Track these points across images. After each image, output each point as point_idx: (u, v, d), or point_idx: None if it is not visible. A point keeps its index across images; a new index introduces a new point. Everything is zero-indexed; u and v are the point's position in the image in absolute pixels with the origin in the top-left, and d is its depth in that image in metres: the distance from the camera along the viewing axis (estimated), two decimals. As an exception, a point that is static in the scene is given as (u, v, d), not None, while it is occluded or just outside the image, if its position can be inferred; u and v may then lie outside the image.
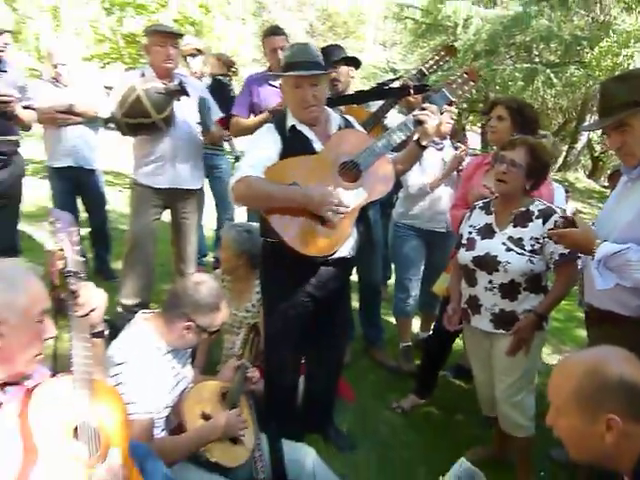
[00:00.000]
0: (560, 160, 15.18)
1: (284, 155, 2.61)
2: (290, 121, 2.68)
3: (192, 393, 2.43)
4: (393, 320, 4.39)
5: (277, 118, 2.78)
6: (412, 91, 3.43)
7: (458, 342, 3.72)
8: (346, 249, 2.66)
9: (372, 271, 3.99)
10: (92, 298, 1.86)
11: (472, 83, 2.89)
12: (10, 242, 3.73)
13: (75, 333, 1.79)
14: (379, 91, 3.87)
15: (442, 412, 3.54)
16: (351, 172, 2.64)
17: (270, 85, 4.04)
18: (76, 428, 1.66)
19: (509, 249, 2.62)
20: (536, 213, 2.64)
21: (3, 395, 1.61)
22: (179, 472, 2.15)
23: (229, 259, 3.34)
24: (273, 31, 4.14)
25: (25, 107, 3.59)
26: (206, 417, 2.37)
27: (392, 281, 4.83)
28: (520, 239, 2.62)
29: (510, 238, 2.64)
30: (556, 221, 2.54)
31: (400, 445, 3.17)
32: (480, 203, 2.88)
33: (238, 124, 4.00)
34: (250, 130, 3.81)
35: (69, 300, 1.83)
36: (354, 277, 3.46)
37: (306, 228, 2.53)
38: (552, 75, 12.95)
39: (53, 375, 1.79)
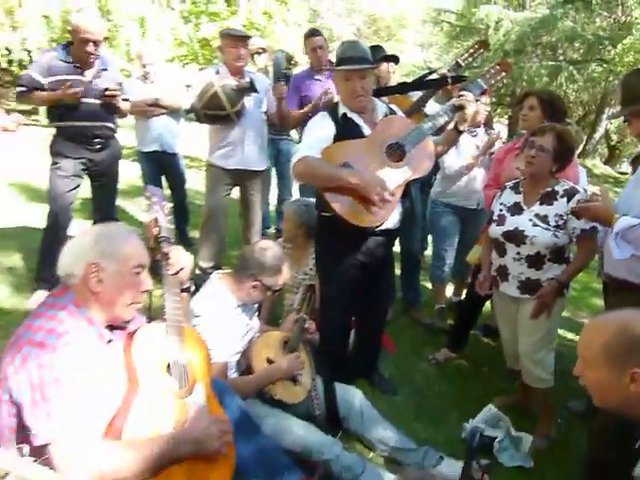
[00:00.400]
0: (580, 148, 14.60)
1: (337, 139, 2.59)
2: (342, 110, 2.66)
3: (259, 341, 2.48)
4: (429, 285, 4.35)
5: (330, 107, 2.77)
6: (450, 81, 3.34)
7: (487, 305, 3.68)
8: (392, 221, 2.64)
9: (412, 242, 3.95)
10: (181, 259, 1.92)
11: (504, 73, 2.80)
12: (109, 213, 3.82)
13: (167, 288, 1.85)
14: (420, 82, 3.79)
15: (472, 365, 3.50)
16: (396, 153, 2.60)
17: (315, 79, 4.05)
18: (169, 365, 1.72)
19: (535, 225, 2.55)
20: (561, 192, 2.56)
21: (112, 334, 1.69)
22: (249, 407, 2.20)
23: (289, 230, 3.36)
24: (312, 33, 4.14)
25: (123, 100, 3.65)
26: (270, 361, 2.42)
27: (428, 252, 4.77)
28: (545, 216, 2.55)
29: (537, 215, 2.57)
30: (579, 200, 2.47)
31: (434, 391, 3.16)
32: (510, 184, 2.80)
33: (291, 117, 3.97)
34: (301, 120, 3.83)
35: (162, 261, 1.89)
36: (396, 247, 3.43)
37: (356, 203, 2.50)
38: (575, 72, 12.39)
39: (149, 322, 1.85)
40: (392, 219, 2.63)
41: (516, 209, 2.66)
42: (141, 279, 1.72)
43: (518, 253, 2.60)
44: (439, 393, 3.15)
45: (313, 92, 3.93)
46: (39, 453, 1.40)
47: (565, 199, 2.53)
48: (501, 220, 2.68)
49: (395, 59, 4.01)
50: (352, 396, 2.57)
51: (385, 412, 2.66)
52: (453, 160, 3.69)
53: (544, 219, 2.54)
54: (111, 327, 1.71)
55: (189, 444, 1.61)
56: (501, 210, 2.72)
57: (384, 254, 2.80)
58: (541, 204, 2.58)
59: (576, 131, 4.08)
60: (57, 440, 1.42)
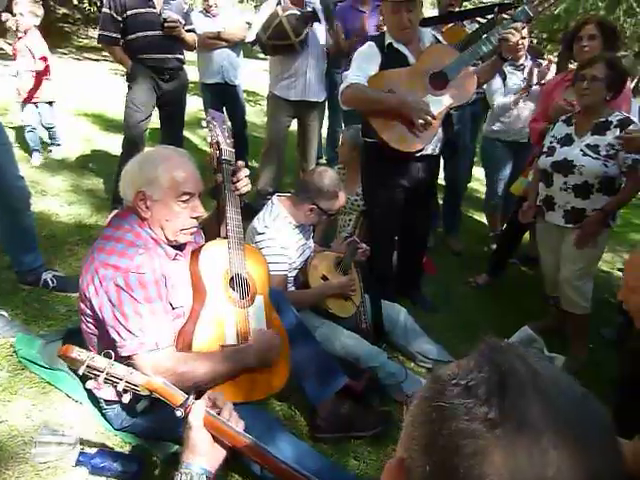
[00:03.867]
0: (634, 83, 13.22)
1: (383, 68, 2.47)
2: (388, 39, 2.49)
3: (314, 260, 2.43)
4: (471, 215, 4.16)
5: (377, 38, 2.61)
6: (497, 9, 2.99)
7: (525, 236, 3.49)
8: (432, 147, 2.54)
9: (455, 171, 3.73)
10: (244, 178, 1.83)
11: (552, 0, 2.49)
12: (176, 141, 3.73)
13: (230, 207, 1.78)
14: (466, 11, 3.45)
15: (509, 290, 3.37)
16: (439, 81, 2.45)
17: (359, 11, 3.75)
18: (232, 278, 1.69)
19: (585, 154, 2.34)
20: (615, 123, 2.32)
21: (176, 252, 1.64)
22: (303, 317, 2.18)
23: (344, 153, 3.27)
24: None
25: (188, 31, 3.47)
26: (325, 278, 2.38)
27: (470, 185, 4.52)
28: (597, 146, 2.33)
29: (587, 145, 2.35)
30: (626, 131, 2.23)
31: (472, 311, 3.07)
32: (563, 117, 2.55)
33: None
34: (346, 51, 3.61)
35: (225, 182, 1.81)
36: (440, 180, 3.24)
37: (400, 128, 2.41)
38: (634, 4, 10.96)
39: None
40: (432, 145, 2.53)
41: (567, 140, 2.44)
42: (190, 206, 1.58)
43: (565, 183, 2.41)
44: (476, 313, 3.06)
45: (357, 24, 3.66)
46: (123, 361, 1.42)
47: (618, 129, 2.30)
48: (551, 151, 2.48)
49: None
50: (397, 312, 2.53)
51: (425, 327, 2.60)
52: (500, 98, 3.41)
53: (595, 149, 2.32)
54: (174, 246, 1.63)
55: (254, 358, 1.62)
56: (551, 142, 2.50)
57: (425, 179, 2.69)
58: (593, 134, 2.35)
59: (632, 62, 3.65)
60: (139, 353, 1.43)
